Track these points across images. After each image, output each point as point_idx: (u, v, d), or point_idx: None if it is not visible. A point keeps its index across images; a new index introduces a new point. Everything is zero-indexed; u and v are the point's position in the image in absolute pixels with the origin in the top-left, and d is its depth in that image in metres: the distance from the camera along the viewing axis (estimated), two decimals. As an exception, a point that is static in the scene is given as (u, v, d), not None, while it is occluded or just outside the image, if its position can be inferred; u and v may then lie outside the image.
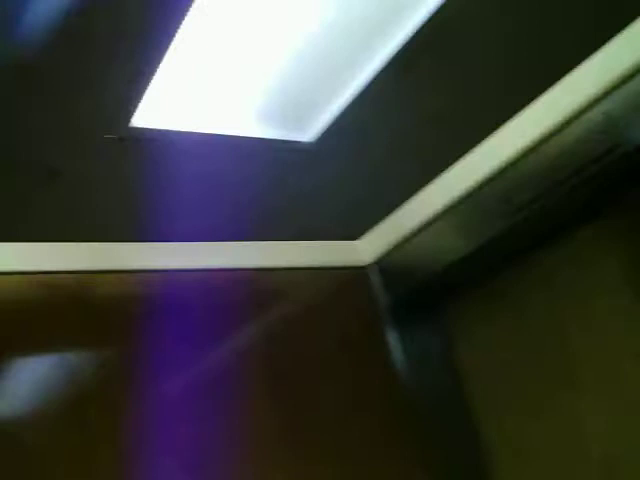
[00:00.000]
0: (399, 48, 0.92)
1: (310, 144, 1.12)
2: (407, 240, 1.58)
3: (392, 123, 1.14)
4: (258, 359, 1.49)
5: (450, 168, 1.41)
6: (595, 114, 1.20)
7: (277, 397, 1.46)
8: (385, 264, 1.66)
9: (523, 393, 1.50)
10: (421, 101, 1.10)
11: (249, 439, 1.37)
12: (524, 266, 1.51)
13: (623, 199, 1.29)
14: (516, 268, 1.53)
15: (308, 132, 1.10)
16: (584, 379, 1.38)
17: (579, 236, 1.40)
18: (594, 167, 1.20)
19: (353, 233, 1.62)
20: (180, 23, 0.79)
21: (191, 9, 0.78)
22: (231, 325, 1.49)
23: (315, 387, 1.50)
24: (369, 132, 1.15)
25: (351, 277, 1.66)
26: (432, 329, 1.71)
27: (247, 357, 1.48)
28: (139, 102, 0.93)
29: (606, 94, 1.18)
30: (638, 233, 1.27)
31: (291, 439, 1.42)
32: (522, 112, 1.27)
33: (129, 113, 0.94)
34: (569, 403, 1.40)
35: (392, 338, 1.64)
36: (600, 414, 1.35)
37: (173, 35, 0.82)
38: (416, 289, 1.62)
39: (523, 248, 1.48)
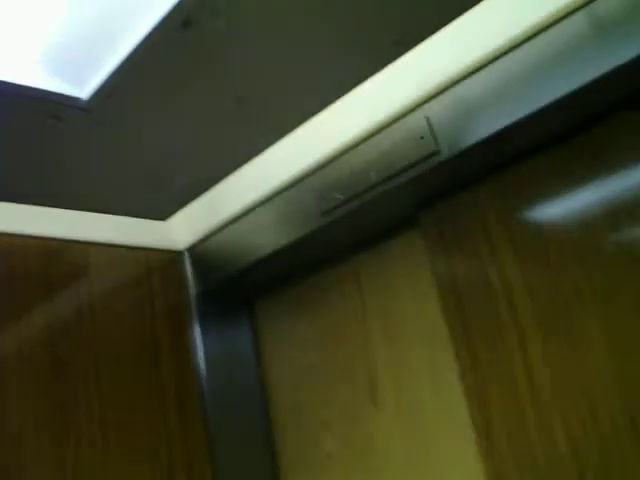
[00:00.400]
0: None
1: (85, 101, 0.95)
2: (220, 228, 1.46)
3: (183, 90, 0.99)
4: (38, 342, 1.31)
5: (264, 153, 1.29)
6: (417, 117, 1.12)
7: (54, 390, 1.28)
8: (196, 250, 1.53)
9: (323, 403, 1.43)
10: (212, 67, 0.96)
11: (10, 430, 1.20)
12: (336, 268, 1.44)
13: (437, 207, 1.23)
14: (329, 269, 1.45)
15: (85, 88, 0.94)
16: (384, 394, 1.33)
17: (392, 242, 1.34)
18: (411, 172, 1.13)
19: (160, 212, 1.46)
20: None
21: None
22: (7, 300, 1.29)
23: (100, 378, 1.35)
24: (155, 96, 1.00)
25: (157, 261, 1.52)
26: (240, 326, 1.61)
27: (24, 340, 1.29)
28: None
29: (430, 97, 1.10)
30: (450, 243, 1.21)
31: (60, 434, 1.25)
32: (341, 104, 1.17)
33: None
34: (367, 417, 1.34)
35: (196, 332, 1.51)
36: (396, 430, 1.29)
37: None
38: (226, 281, 1.50)
39: (336, 249, 1.41)
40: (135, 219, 1.47)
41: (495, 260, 1.14)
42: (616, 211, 1.01)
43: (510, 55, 1.01)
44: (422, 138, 1.11)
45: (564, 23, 0.96)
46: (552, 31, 0.97)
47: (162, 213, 1.46)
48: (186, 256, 1.56)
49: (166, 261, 1.54)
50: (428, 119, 1.11)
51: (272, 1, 0.87)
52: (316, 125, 1.22)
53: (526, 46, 0.99)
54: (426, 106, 1.11)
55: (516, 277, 1.11)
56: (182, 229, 1.53)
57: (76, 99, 0.95)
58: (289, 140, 1.26)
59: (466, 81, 1.06)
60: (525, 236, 1.11)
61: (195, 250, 1.54)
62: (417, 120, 1.12)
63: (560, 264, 1.06)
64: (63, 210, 1.36)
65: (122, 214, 1.43)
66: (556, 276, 1.06)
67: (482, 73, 1.04)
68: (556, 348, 1.04)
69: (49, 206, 1.33)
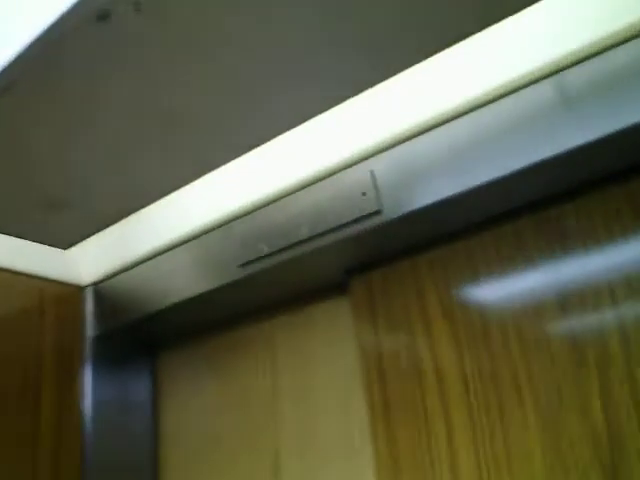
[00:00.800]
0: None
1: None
2: (129, 266, 1.30)
3: (95, 97, 0.84)
4: None
5: (186, 187, 1.14)
6: (360, 171, 1.00)
7: None
8: (100, 288, 1.36)
9: (220, 472, 1.27)
10: (132, 74, 0.82)
11: None
12: (251, 328, 1.30)
13: (371, 274, 1.11)
14: (243, 328, 1.31)
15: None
16: (288, 474, 1.17)
17: (316, 307, 1.21)
18: (347, 230, 1.01)
19: (61, 240, 1.29)
20: None
21: None
22: None
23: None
24: (60, 100, 0.85)
25: (54, 294, 1.34)
26: (139, 378, 1.43)
27: None
28: None
29: (378, 150, 0.99)
30: (381, 316, 1.08)
31: None
32: (278, 144, 1.05)
33: None
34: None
35: (87, 379, 1.33)
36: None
37: None
38: (130, 326, 1.33)
39: (253, 306, 1.27)
40: (31, 243, 1.29)
41: (428, 340, 1.02)
42: (566, 298, 0.91)
43: (469, 117, 0.91)
44: (364, 194, 0.99)
45: (528, 91, 0.87)
46: (515, 98, 0.88)
47: (62, 241, 1.29)
48: (88, 292, 1.38)
49: (64, 295, 1.37)
50: (373, 174, 0.99)
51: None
52: (247, 164, 1.09)
53: (486, 110, 0.90)
54: (372, 160, 1.00)
55: (450, 361, 0.99)
56: (86, 262, 1.36)
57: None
58: (215, 176, 1.12)
59: (420, 138, 0.95)
60: (464, 316, 0.99)
61: (99, 287, 1.37)
62: (360, 174, 1.00)
63: (500, 351, 0.95)
64: None
65: (15, 235, 1.25)
66: (494, 363, 0.95)
67: (437, 132, 0.94)
68: (487, 445, 0.92)
69: None
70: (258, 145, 1.02)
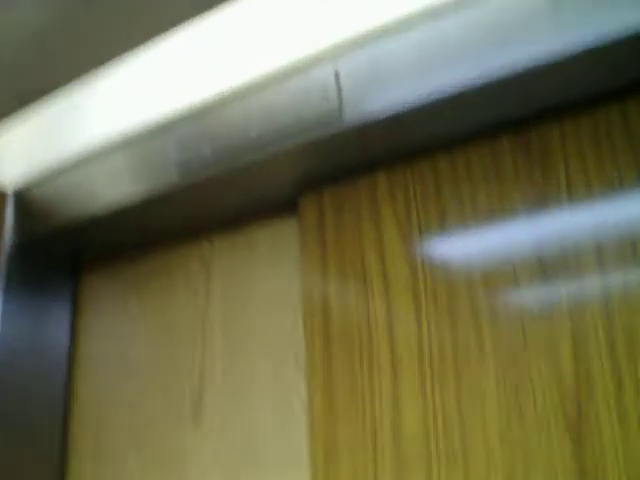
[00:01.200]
0: None
1: None
2: (57, 168, 1.15)
3: None
4: None
5: (121, 64, 0.99)
6: (323, 68, 0.87)
7: None
8: (22, 190, 1.20)
9: (136, 407, 1.14)
10: None
11: None
12: (185, 247, 1.18)
13: (323, 192, 0.98)
14: (175, 247, 1.19)
15: None
16: (209, 411, 1.06)
17: (259, 228, 1.09)
18: (301, 136, 0.88)
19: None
20: None
21: None
22: None
23: None
24: None
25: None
26: (57, 297, 1.29)
27: None
28: None
29: (345, 48, 0.86)
30: (331, 244, 0.96)
31: None
32: (230, 31, 0.91)
33: None
34: (182, 435, 1.07)
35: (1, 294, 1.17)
36: (217, 461, 1.03)
37: None
38: (50, 237, 1.18)
39: (189, 222, 1.13)
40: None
41: (382, 284, 0.89)
42: (544, 257, 0.79)
43: (446, 16, 0.79)
44: (324, 95, 0.86)
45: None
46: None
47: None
48: (9, 196, 1.22)
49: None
50: (337, 74, 0.86)
51: None
52: (192, 53, 0.95)
53: (464, 9, 0.78)
54: (338, 58, 0.86)
55: (404, 311, 0.87)
56: (7, 161, 1.21)
57: None
58: (156, 68, 0.97)
59: (392, 38, 0.83)
60: (428, 263, 0.87)
61: (20, 191, 1.21)
62: (323, 72, 0.87)
63: (464, 308, 0.83)
64: None
65: None
66: (456, 321, 0.83)
67: (413, 31, 0.82)
68: (436, 389, 0.81)
69: None
70: (204, 13, 0.86)
